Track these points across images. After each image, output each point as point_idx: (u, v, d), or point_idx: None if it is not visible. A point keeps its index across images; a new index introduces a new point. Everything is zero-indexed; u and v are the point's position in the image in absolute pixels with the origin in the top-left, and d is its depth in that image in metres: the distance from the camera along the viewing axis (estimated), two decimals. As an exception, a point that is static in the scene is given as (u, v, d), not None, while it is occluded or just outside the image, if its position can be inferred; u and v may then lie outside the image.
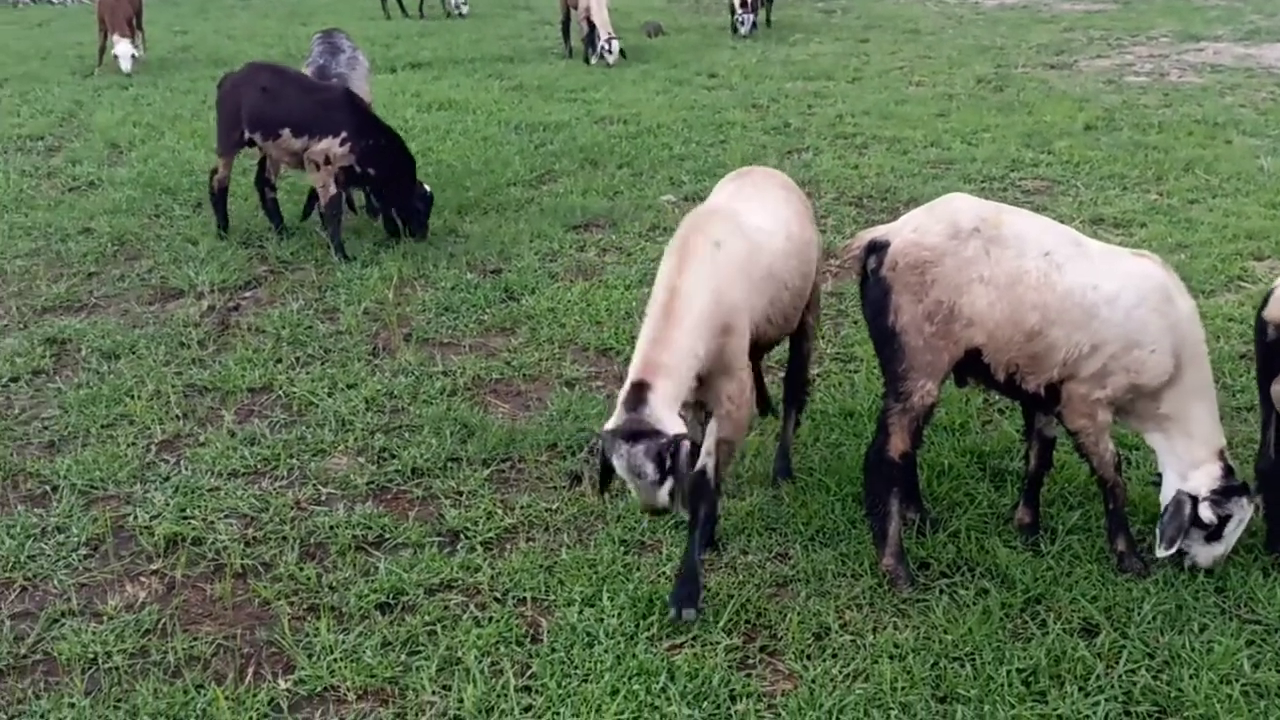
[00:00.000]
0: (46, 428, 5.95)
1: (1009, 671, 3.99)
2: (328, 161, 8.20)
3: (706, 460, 4.36)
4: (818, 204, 9.47)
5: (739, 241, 4.39)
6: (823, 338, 6.92)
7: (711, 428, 4.38)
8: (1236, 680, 3.96)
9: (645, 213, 9.41)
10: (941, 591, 4.49)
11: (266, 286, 7.98)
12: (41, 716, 3.89)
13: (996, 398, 5.97)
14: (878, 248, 4.39)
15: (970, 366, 4.45)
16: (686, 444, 3.94)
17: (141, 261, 8.48)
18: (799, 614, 4.36)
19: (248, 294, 7.89)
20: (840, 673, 4.06)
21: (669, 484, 3.94)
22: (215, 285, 7.90)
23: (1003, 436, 5.64)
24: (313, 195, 8.87)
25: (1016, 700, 3.86)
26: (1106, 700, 3.87)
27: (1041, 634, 4.22)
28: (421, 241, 8.60)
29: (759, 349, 4.73)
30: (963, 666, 4.06)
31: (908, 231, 4.37)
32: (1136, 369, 4.37)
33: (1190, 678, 3.96)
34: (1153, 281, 4.40)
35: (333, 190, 8.31)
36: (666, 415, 3.93)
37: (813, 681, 4.01)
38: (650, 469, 3.89)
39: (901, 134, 11.88)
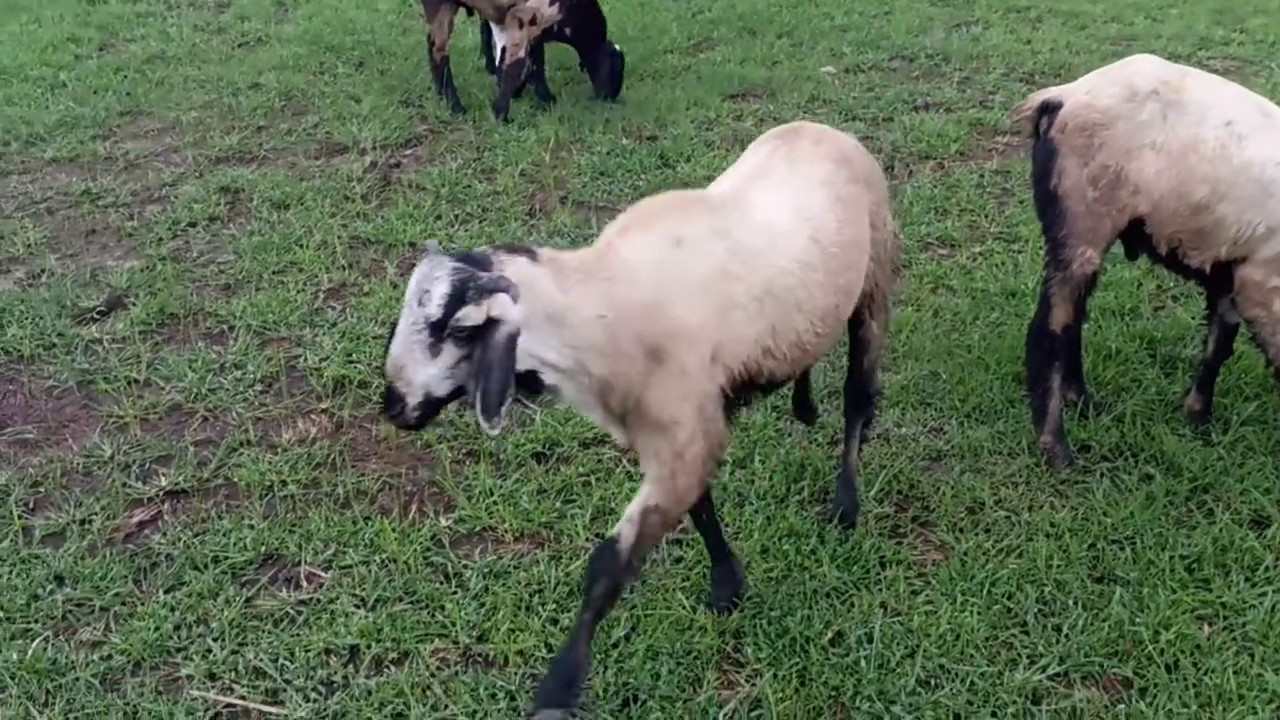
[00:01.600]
0: (223, 271, 6.20)
1: (1171, 558, 3.90)
2: (533, 21, 8.19)
3: (623, 527, 3.19)
4: (984, 80, 9.08)
5: (712, 245, 3.19)
6: (986, 216, 6.71)
7: (641, 490, 3.23)
8: None
9: (804, 84, 9.16)
10: (1102, 475, 4.38)
11: (426, 145, 8.08)
12: (224, 534, 4.15)
13: (1170, 283, 5.72)
14: (1050, 109, 4.25)
15: (1134, 236, 4.27)
16: (515, 320, 2.79)
17: (307, 117, 8.66)
18: (952, 488, 4.32)
19: (408, 152, 8.00)
20: (993, 547, 4.03)
21: (449, 348, 2.81)
22: (377, 142, 8.03)
23: (1175, 323, 5.41)
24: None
25: (1178, 585, 3.77)
26: (1275, 592, 3.75)
27: (1208, 523, 4.09)
28: (613, 100, 8.62)
29: (760, 387, 3.45)
30: (1122, 549, 3.98)
31: (1081, 93, 4.21)
32: None
33: (1366, 577, 3.81)
34: None
35: (522, 54, 8.30)
36: (519, 277, 2.86)
37: (964, 554, 3.99)
38: (437, 293, 2.76)
39: (1079, 8, 11.22)
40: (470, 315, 2.76)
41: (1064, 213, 4.22)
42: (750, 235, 3.28)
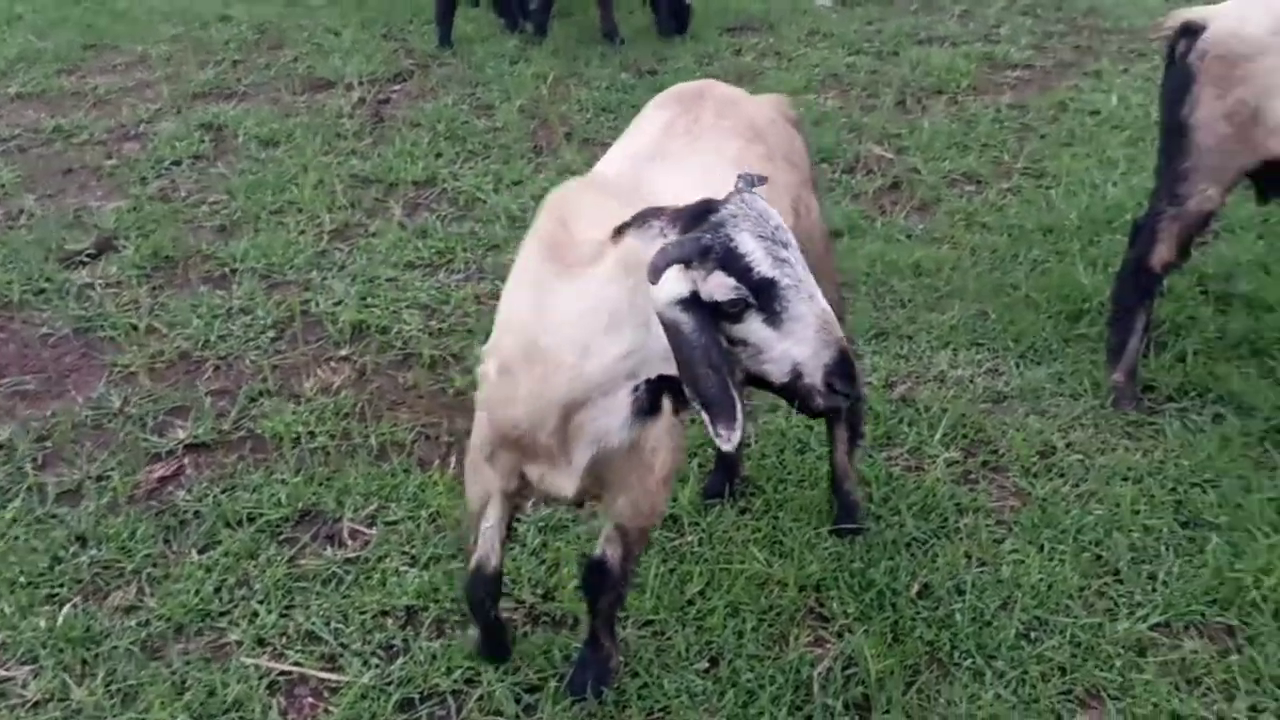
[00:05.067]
0: (216, 212, 5.83)
1: (1259, 500, 3.75)
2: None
3: (606, 548, 2.93)
4: (985, 13, 8.86)
5: None
6: (1008, 152, 6.51)
7: (613, 508, 2.84)
8: None
9: (803, 17, 8.89)
10: (1171, 416, 4.22)
11: (415, 80, 7.71)
12: (255, 490, 3.86)
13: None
14: (1191, 31, 3.97)
15: (1267, 178, 4.07)
16: None
17: (285, 50, 8.23)
18: (1020, 431, 4.14)
19: (396, 87, 7.63)
20: (1071, 492, 3.86)
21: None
22: (363, 77, 7.64)
23: (1220, 259, 5.25)
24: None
25: (1271, 529, 3.63)
26: (1371, 534, 3.62)
27: (1289, 464, 3.96)
28: (681, 37, 8.28)
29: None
30: (1204, 493, 3.83)
31: (1230, 18, 3.92)
32: None
33: None
34: None
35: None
36: None
37: (1043, 500, 3.82)
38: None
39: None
40: None
41: (1192, 145, 3.98)
42: None
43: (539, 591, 3.47)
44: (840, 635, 3.32)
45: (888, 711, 3.07)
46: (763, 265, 2.16)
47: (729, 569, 3.52)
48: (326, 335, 4.78)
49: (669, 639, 3.29)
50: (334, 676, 3.19)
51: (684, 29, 8.36)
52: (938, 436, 4.12)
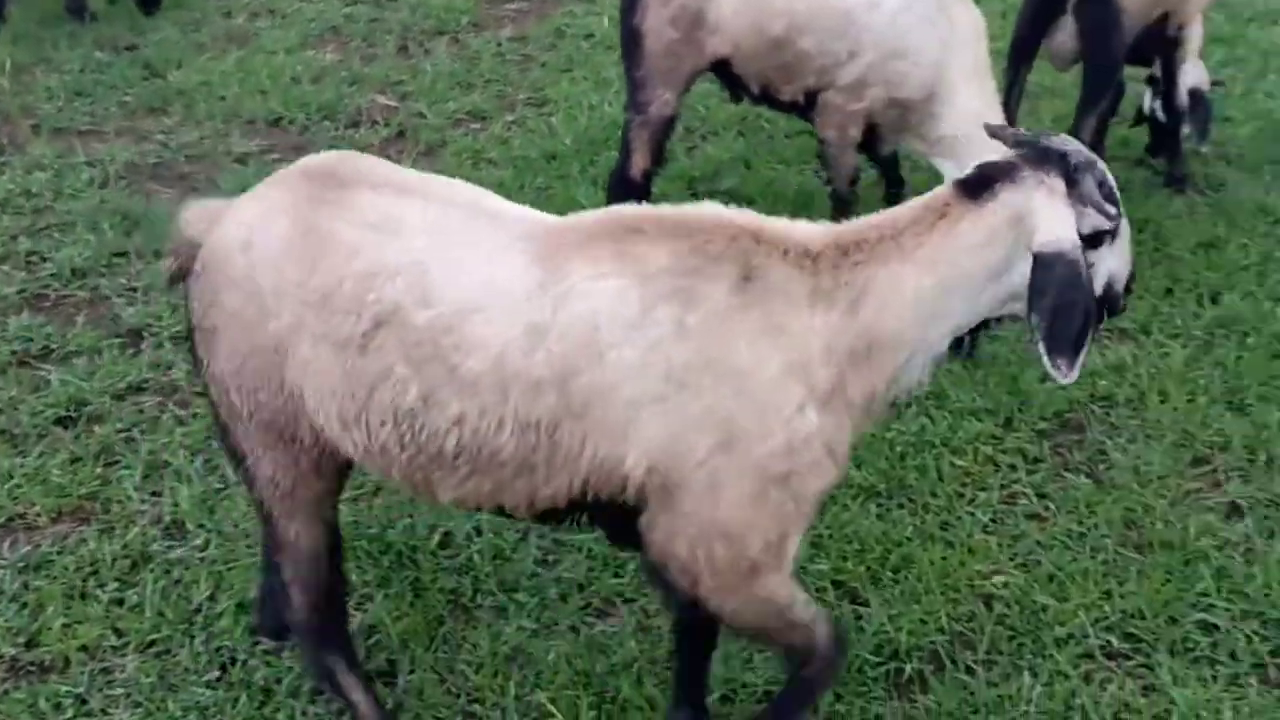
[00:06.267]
0: None
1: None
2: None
3: None
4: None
5: None
6: (512, 85, 6.55)
7: None
8: None
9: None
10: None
11: None
12: None
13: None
14: None
15: (725, 77, 4.28)
16: None
17: None
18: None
19: None
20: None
21: None
22: None
23: (706, 160, 5.51)
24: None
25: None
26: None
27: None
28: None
29: None
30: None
31: None
32: (897, 81, 4.14)
33: None
34: None
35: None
36: None
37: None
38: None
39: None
40: None
41: (645, 53, 4.12)
42: None
43: (20, 640, 3.09)
44: (361, 606, 3.19)
45: (413, 672, 2.98)
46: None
47: (236, 566, 3.29)
48: None
49: (174, 656, 3.03)
50: None
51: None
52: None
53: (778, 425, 2.24)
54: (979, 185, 2.31)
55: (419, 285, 2.25)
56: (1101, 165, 2.33)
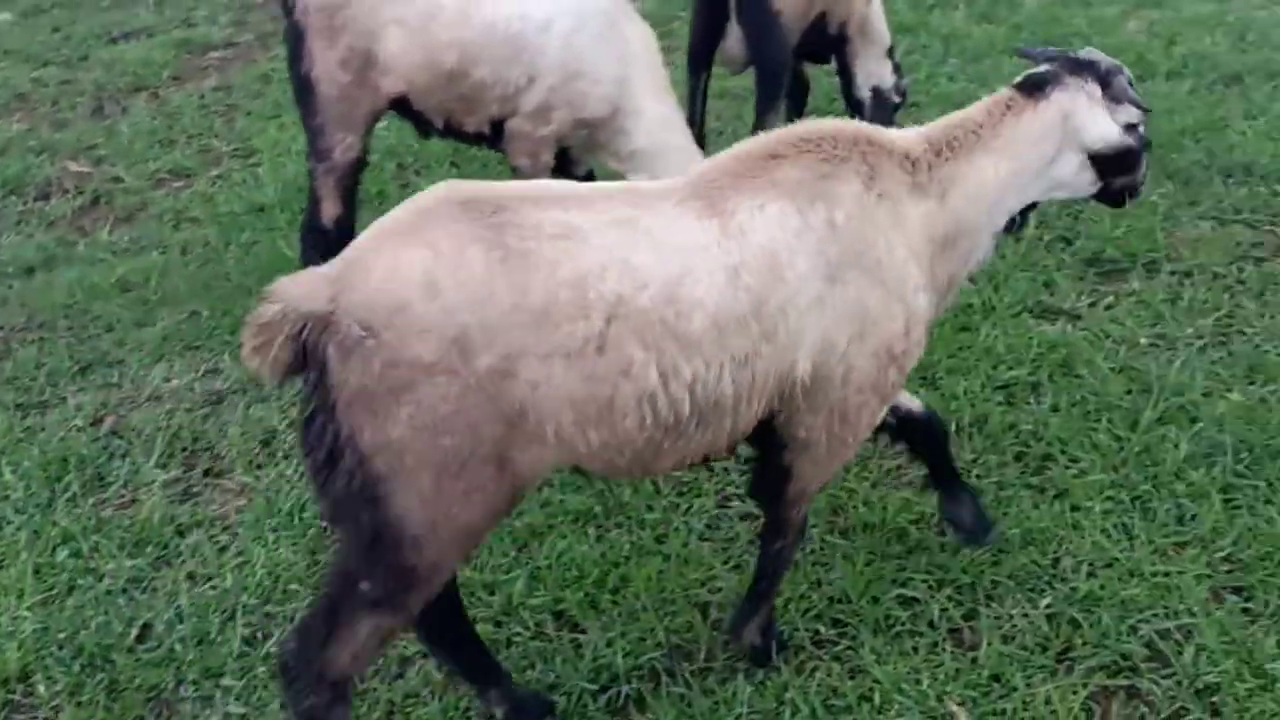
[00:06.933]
0: None
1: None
2: None
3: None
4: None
5: None
6: (217, 137, 6.33)
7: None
8: None
9: None
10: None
11: None
12: None
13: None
14: None
15: (409, 115, 4.23)
16: None
17: None
18: (240, 426, 4.01)
19: None
20: (295, 474, 3.80)
21: None
22: None
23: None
24: None
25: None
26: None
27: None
28: None
29: None
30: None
31: None
32: (580, 102, 4.15)
33: None
34: (594, 5, 4.14)
35: None
36: None
37: (266, 491, 3.72)
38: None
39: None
40: None
41: (319, 99, 4.04)
42: None
43: None
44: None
45: (111, 783, 2.82)
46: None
47: None
48: None
49: None
50: None
51: None
52: (153, 461, 3.88)
53: (900, 310, 2.62)
54: (1034, 87, 2.78)
55: (627, 273, 2.36)
56: (1126, 70, 2.84)
